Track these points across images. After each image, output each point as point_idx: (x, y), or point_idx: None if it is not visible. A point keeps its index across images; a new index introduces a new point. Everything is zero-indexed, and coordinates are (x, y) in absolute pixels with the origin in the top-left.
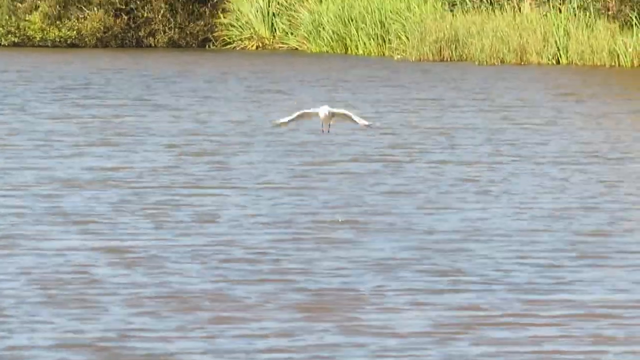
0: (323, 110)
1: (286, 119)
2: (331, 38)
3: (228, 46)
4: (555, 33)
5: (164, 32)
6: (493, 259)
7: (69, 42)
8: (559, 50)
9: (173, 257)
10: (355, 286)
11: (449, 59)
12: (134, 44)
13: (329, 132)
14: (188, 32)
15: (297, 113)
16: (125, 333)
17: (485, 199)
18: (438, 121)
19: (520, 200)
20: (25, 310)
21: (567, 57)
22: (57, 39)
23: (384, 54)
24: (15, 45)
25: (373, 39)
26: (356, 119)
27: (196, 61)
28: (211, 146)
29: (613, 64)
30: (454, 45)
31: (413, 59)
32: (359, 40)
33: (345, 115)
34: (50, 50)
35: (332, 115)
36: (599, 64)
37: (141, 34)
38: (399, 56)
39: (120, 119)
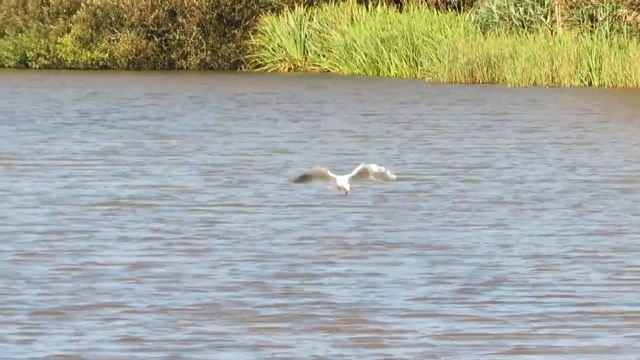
0: (342, 180)
1: (302, 176)
2: (363, 60)
3: (259, 68)
4: (587, 55)
5: (196, 54)
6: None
7: (100, 64)
8: (591, 72)
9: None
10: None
11: (480, 81)
12: (166, 66)
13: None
14: (220, 54)
15: (314, 169)
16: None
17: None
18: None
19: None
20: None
21: (599, 79)
22: (89, 62)
23: (415, 76)
24: (45, 67)
25: (405, 61)
26: (376, 171)
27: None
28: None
29: None
30: (486, 68)
31: (444, 81)
32: (390, 63)
33: (364, 173)
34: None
35: (351, 180)
36: (631, 85)
37: (173, 56)
38: (430, 78)
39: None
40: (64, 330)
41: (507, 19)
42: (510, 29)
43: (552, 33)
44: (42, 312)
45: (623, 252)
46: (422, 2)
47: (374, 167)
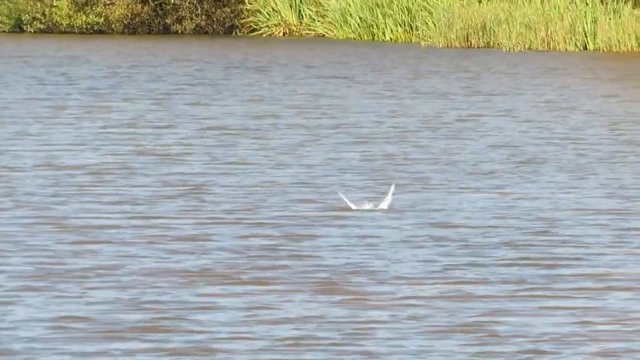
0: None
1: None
2: (358, 25)
3: (254, 33)
4: (582, 20)
5: (191, 19)
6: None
7: (95, 28)
8: (586, 37)
9: None
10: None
11: (475, 46)
12: (161, 30)
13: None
14: (215, 19)
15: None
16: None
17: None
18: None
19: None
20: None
21: (594, 44)
22: (84, 26)
23: (410, 41)
24: (41, 32)
25: (400, 26)
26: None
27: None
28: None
29: None
30: (481, 32)
31: (440, 46)
32: (386, 27)
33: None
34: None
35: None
36: (625, 50)
37: (168, 20)
38: (425, 43)
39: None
40: (50, 293)
41: None
42: None
43: None
44: (25, 277)
45: (624, 214)
46: None
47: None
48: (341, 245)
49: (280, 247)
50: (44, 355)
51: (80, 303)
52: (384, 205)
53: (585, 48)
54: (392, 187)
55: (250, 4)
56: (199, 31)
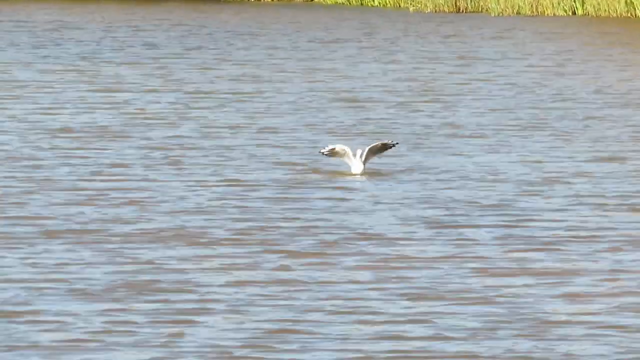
0: (356, 167)
1: (326, 150)
2: None
3: None
4: None
5: None
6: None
7: None
8: (574, 2)
9: None
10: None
11: (464, 10)
12: None
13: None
14: None
15: (338, 148)
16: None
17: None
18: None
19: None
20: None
21: (583, 9)
22: None
23: (399, 6)
24: None
25: None
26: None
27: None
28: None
29: (630, 15)
30: None
31: (428, 10)
32: None
33: (375, 150)
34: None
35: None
36: (614, 15)
37: None
38: (414, 7)
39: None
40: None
41: None
42: None
43: None
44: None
45: (609, 178)
46: None
47: (376, 146)
48: (327, 208)
49: (261, 209)
50: (20, 315)
51: (59, 264)
52: (358, 168)
53: (574, 13)
54: (366, 149)
55: None
56: None
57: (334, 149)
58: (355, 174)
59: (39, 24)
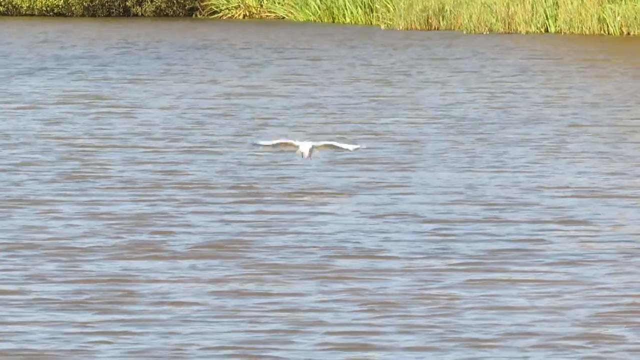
0: (304, 146)
1: (267, 143)
2: (318, 7)
3: (215, 15)
4: (544, 2)
5: (151, 1)
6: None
7: (55, 11)
8: (547, 19)
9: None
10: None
11: (436, 28)
12: (121, 13)
13: (310, 158)
14: (175, 0)
15: (280, 140)
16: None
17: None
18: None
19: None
20: None
21: (555, 26)
22: (44, 8)
23: (371, 23)
24: (1, 14)
25: (360, 8)
26: (343, 146)
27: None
28: None
29: (602, 32)
30: (441, 15)
31: (400, 28)
32: (345, 9)
33: (330, 145)
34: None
35: (313, 148)
36: (587, 32)
37: (128, 3)
38: (385, 25)
39: None
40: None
41: None
42: None
43: None
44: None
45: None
46: None
47: (335, 144)
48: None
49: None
50: None
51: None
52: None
53: (547, 30)
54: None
55: None
56: (159, 14)
57: (280, 142)
58: (302, 152)
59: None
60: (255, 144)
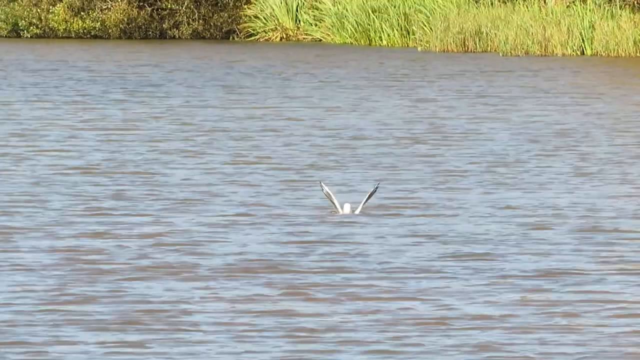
0: (346, 208)
1: (327, 190)
2: (355, 29)
3: (252, 38)
4: (579, 25)
5: (188, 23)
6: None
7: (92, 33)
8: (583, 41)
9: None
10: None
11: (472, 50)
12: (157, 35)
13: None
14: (212, 23)
15: (332, 197)
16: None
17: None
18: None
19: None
20: None
21: (591, 49)
22: (81, 31)
23: (407, 45)
24: (37, 37)
25: (396, 30)
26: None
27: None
28: None
29: (639, 54)
30: (478, 37)
31: (437, 50)
32: (382, 32)
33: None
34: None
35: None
36: (623, 54)
37: (165, 25)
38: (422, 47)
39: None
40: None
41: None
42: (504, 0)
43: (544, 2)
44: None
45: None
46: None
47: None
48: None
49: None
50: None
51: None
52: (357, 209)
53: (583, 53)
54: (372, 191)
55: (249, 9)
56: (196, 36)
57: (330, 194)
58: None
59: (45, 62)
60: (321, 184)
